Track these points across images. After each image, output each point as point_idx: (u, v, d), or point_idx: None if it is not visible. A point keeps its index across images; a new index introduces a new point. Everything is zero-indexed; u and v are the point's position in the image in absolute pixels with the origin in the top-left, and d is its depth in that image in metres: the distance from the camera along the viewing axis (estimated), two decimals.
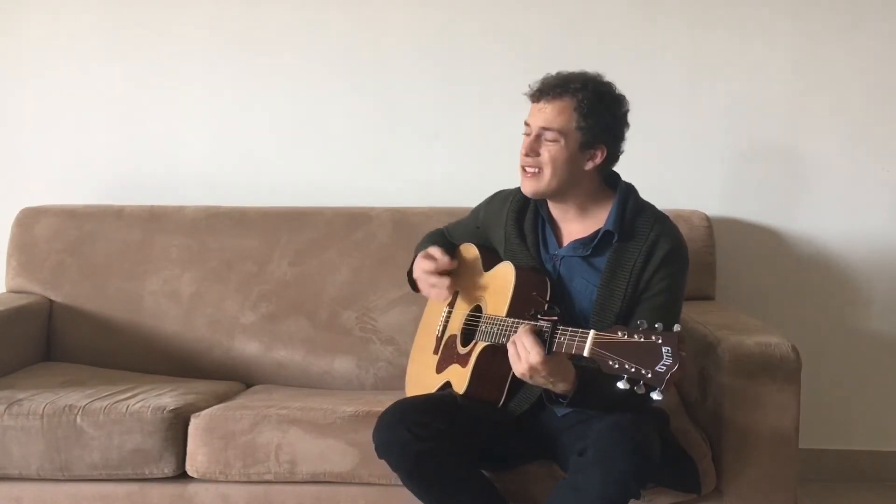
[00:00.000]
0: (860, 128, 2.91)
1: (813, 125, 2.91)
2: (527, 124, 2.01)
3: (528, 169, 1.99)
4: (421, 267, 2.19)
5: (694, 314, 2.44)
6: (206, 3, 2.99)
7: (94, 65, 3.02)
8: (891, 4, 2.87)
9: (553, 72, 2.02)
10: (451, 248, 2.31)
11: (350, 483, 2.18)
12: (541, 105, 1.98)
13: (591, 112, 1.95)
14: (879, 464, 2.95)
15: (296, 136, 3.01)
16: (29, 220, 2.85)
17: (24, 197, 2.95)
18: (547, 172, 1.97)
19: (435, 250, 2.19)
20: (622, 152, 2.04)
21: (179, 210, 2.86)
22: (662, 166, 2.92)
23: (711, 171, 2.93)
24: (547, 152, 1.97)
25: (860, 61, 2.89)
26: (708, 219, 2.79)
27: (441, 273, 2.16)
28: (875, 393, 2.96)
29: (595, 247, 2.00)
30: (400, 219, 2.77)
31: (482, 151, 2.94)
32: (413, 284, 2.26)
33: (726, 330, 2.25)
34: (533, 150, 1.98)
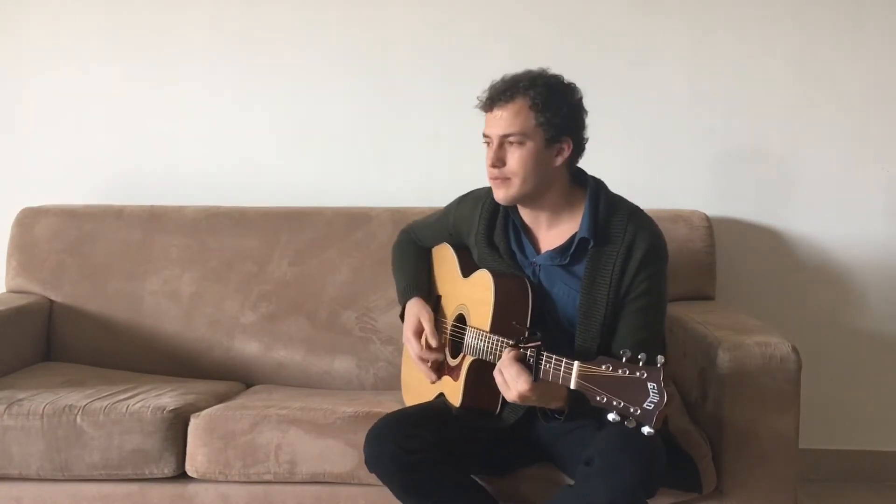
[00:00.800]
0: (860, 128, 2.91)
1: (813, 125, 2.91)
2: (486, 136, 1.98)
3: (496, 179, 1.96)
4: (412, 346, 2.12)
5: (694, 314, 2.44)
6: (206, 3, 2.99)
7: (94, 65, 3.03)
8: (891, 4, 2.88)
9: (495, 79, 1.99)
10: (427, 258, 2.30)
11: (350, 483, 2.18)
12: (495, 113, 1.94)
13: (547, 105, 1.91)
14: (879, 464, 2.95)
15: (296, 137, 3.01)
16: (29, 220, 2.85)
17: (24, 197, 2.95)
18: (517, 179, 1.94)
19: (427, 325, 2.09)
20: (587, 141, 2.00)
21: (179, 210, 2.86)
22: (662, 166, 2.92)
23: (711, 171, 2.93)
24: (514, 158, 1.93)
25: (860, 61, 2.89)
26: (708, 219, 2.79)
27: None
28: (875, 393, 2.96)
29: (572, 255, 1.97)
30: (400, 219, 2.76)
31: (482, 152, 2.92)
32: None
33: (726, 330, 2.24)
34: (499, 160, 1.94)
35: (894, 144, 2.91)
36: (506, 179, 1.95)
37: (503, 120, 1.93)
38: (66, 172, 3.05)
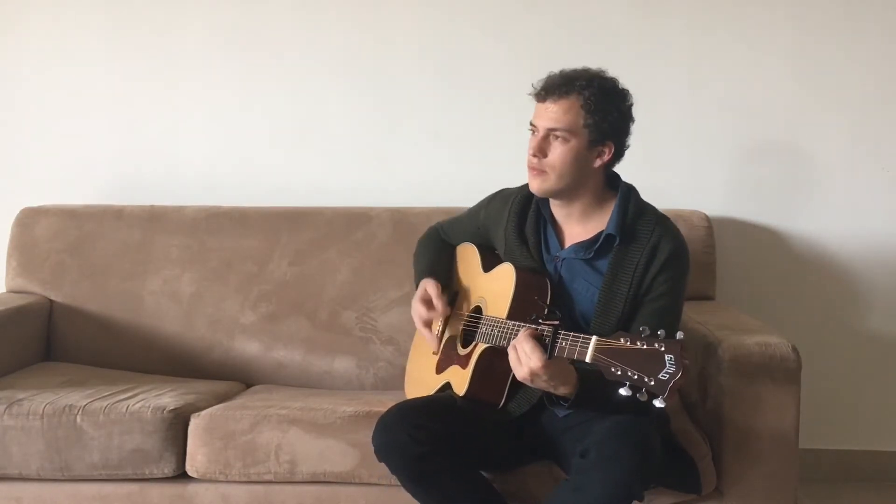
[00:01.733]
0: (860, 128, 2.91)
1: (813, 125, 2.91)
2: (533, 125, 2.00)
3: (534, 169, 1.98)
4: (417, 311, 2.16)
5: (694, 314, 2.44)
6: (206, 3, 2.99)
7: (94, 65, 3.02)
8: (891, 4, 2.87)
9: (553, 71, 2.01)
10: (450, 251, 2.31)
11: (350, 483, 2.18)
12: (546, 105, 1.97)
13: (598, 109, 1.94)
14: (879, 464, 2.95)
15: (296, 137, 3.01)
16: (29, 220, 2.85)
17: (24, 197, 2.94)
18: (554, 173, 1.96)
19: (433, 291, 2.15)
20: (628, 147, 2.03)
21: (179, 210, 2.86)
22: (662, 166, 2.92)
23: (711, 171, 2.93)
24: (555, 153, 1.95)
25: (860, 61, 2.89)
26: (708, 219, 2.79)
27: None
28: (875, 393, 2.97)
29: (597, 250, 1.99)
30: (400, 219, 2.77)
31: (482, 151, 2.94)
32: None
33: (726, 330, 2.25)
34: (541, 151, 1.97)
35: (894, 144, 2.91)
36: (542, 171, 1.97)
37: (553, 113, 1.95)
38: (66, 172, 3.05)
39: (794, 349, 2.11)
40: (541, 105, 1.99)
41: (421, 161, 2.98)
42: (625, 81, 1.94)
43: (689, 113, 2.92)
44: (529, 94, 2.01)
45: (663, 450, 1.84)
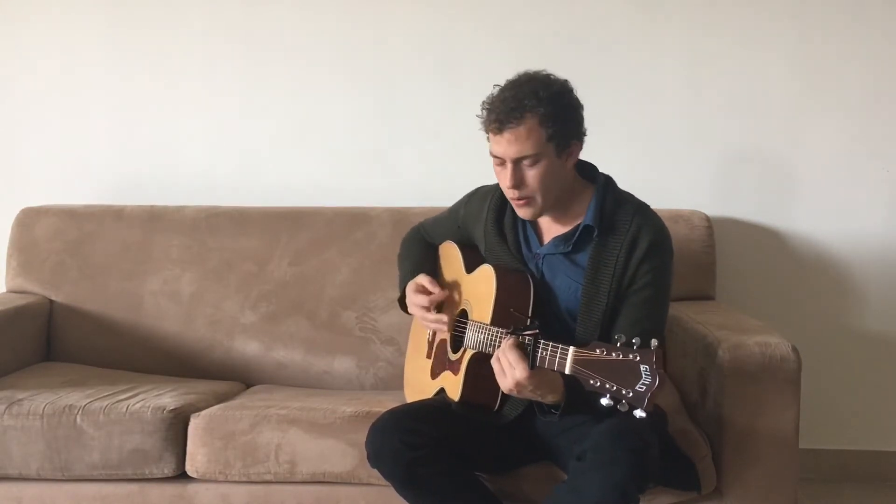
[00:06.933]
0: (860, 128, 2.91)
1: (813, 125, 2.91)
2: (495, 156, 1.93)
3: (519, 200, 1.94)
4: (415, 302, 2.13)
5: (694, 314, 2.44)
6: (206, 3, 2.99)
7: (94, 64, 3.03)
8: (891, 4, 2.87)
9: (493, 91, 1.96)
10: (434, 253, 2.30)
11: (350, 483, 2.18)
12: (505, 136, 1.89)
13: (555, 118, 1.89)
14: (879, 464, 2.95)
15: (296, 136, 3.01)
16: (29, 220, 2.85)
17: (24, 197, 2.95)
18: (538, 195, 1.93)
19: (425, 280, 2.13)
20: (586, 133, 1.97)
21: (179, 210, 2.86)
22: (662, 166, 2.92)
23: (711, 171, 2.93)
24: (532, 178, 1.91)
25: (860, 61, 2.89)
26: (708, 219, 2.79)
27: (436, 305, 2.12)
28: (875, 393, 2.96)
29: (575, 242, 1.98)
30: (400, 219, 2.76)
31: (482, 151, 2.91)
32: (403, 305, 2.22)
33: (726, 330, 2.24)
34: (520, 181, 1.91)
35: (894, 144, 2.91)
36: (529, 199, 1.93)
37: (517, 143, 1.88)
38: (66, 172, 3.05)
39: (794, 349, 2.11)
40: (499, 137, 1.90)
41: (421, 161, 2.98)
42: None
43: (689, 113, 2.92)
44: (481, 128, 1.95)
45: (661, 450, 1.84)
